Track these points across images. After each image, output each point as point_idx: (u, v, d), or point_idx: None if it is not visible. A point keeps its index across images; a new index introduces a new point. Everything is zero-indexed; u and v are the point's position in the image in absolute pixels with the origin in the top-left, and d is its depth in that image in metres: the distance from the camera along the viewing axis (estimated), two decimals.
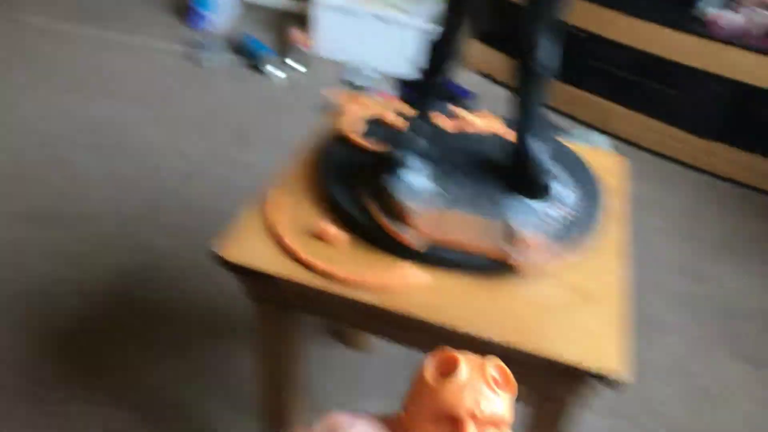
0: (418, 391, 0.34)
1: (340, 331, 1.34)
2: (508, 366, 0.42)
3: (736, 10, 1.88)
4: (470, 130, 0.98)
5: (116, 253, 1.52)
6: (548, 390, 0.75)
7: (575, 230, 0.82)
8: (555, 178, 0.84)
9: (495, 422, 0.33)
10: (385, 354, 1.34)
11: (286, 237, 0.81)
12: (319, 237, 0.82)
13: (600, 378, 0.69)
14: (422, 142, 0.86)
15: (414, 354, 1.34)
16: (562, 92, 2.10)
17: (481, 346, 0.62)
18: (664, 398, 1.33)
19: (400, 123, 0.96)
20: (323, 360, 1.32)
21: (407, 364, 1.36)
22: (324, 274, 0.78)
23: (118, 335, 1.34)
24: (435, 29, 0.84)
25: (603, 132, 2.11)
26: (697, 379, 1.38)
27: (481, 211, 0.80)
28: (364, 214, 0.83)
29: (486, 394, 0.33)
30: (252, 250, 0.81)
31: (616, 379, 0.68)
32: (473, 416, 0.32)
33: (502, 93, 2.10)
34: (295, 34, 2.37)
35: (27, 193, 1.68)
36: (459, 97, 2.11)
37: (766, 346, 1.49)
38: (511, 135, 0.87)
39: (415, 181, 0.83)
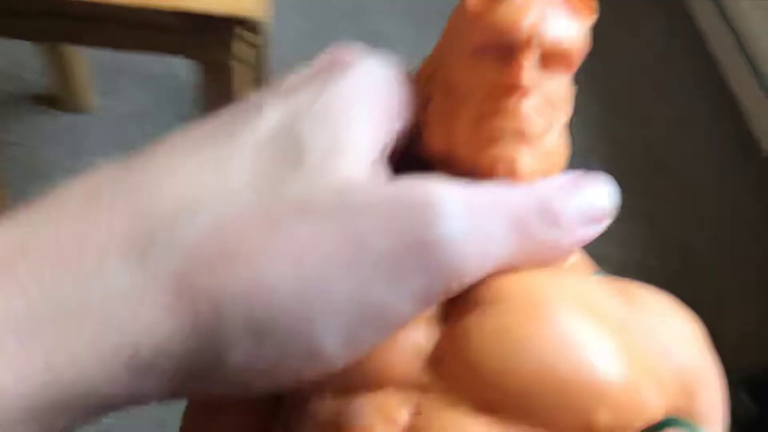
0: (456, 21, 0.23)
1: (53, 97, 1.25)
2: None
3: None
4: None
5: None
6: (203, 53, 0.76)
7: None
8: None
9: (562, 55, 0.21)
10: (109, 112, 1.28)
11: None
12: None
13: (242, 23, 0.70)
14: None
15: (142, 106, 1.31)
16: None
17: None
18: None
19: None
20: (39, 129, 1.24)
21: (135, 120, 1.35)
22: None
23: None
24: None
25: None
26: None
27: None
28: None
29: (554, 12, 0.21)
30: None
31: (256, 20, 0.70)
32: (527, 41, 0.20)
33: None
34: None
35: None
36: None
37: None
38: None
39: None
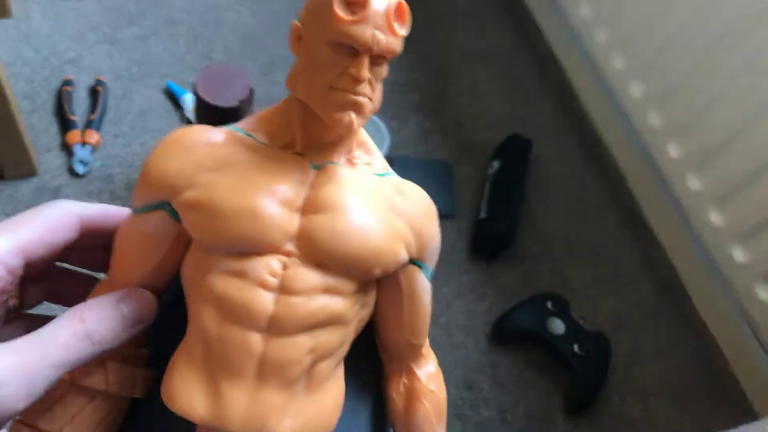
0: (322, 14, 0.33)
1: None
2: None
3: None
4: None
5: None
6: None
7: None
8: None
9: (385, 56, 0.34)
10: None
11: None
12: None
13: None
14: None
15: None
16: None
17: None
18: None
19: None
20: None
21: None
22: None
23: None
24: None
25: None
26: None
27: None
28: None
29: (386, 31, 0.33)
30: None
31: None
32: (370, 50, 0.33)
33: None
34: None
35: None
36: None
37: None
38: None
39: None
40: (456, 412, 1.04)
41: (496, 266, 1.20)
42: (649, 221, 1.28)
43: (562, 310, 1.11)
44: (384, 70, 0.35)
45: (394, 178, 0.39)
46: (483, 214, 1.20)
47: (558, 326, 1.09)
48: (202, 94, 0.94)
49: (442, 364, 0.42)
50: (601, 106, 1.37)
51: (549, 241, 1.26)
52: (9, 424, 0.34)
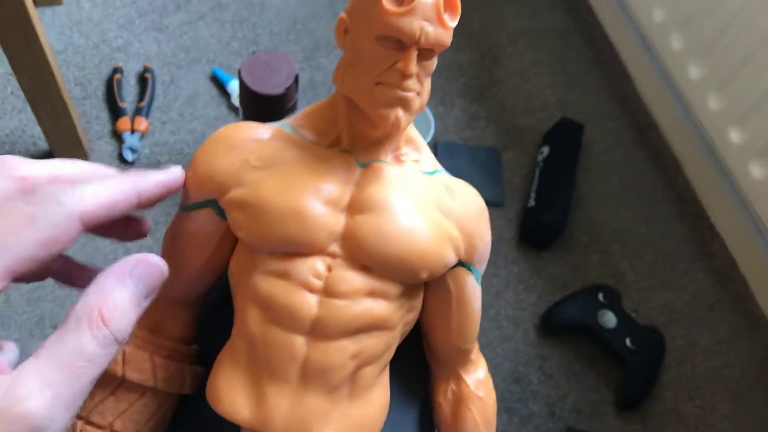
0: (368, 6, 0.32)
1: None
2: None
3: None
4: None
5: None
6: None
7: None
8: None
9: (433, 50, 0.32)
10: None
11: None
12: None
13: None
14: None
15: None
16: None
17: None
18: None
19: None
20: None
21: None
22: None
23: None
24: None
25: None
26: None
27: None
28: None
29: (435, 23, 0.31)
30: None
31: None
32: (418, 43, 0.31)
33: None
34: None
35: None
36: None
37: None
38: None
39: None
40: (504, 405, 1.02)
41: (546, 256, 1.17)
42: (707, 211, 1.23)
43: (614, 302, 1.08)
44: (433, 63, 0.34)
45: (444, 177, 0.37)
46: (532, 203, 1.17)
47: (609, 319, 1.06)
48: (248, 82, 0.94)
49: (489, 356, 0.41)
50: (656, 89, 1.31)
51: (600, 230, 1.22)
52: None
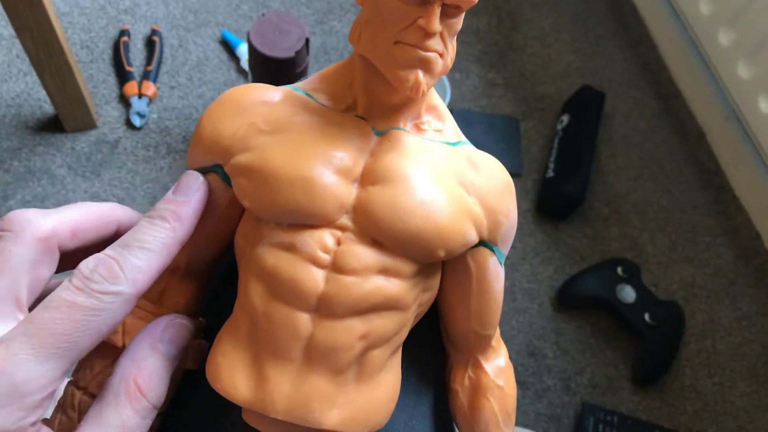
0: None
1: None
2: None
3: None
4: None
5: None
6: None
7: None
8: None
9: (459, 6, 0.29)
10: None
11: None
12: None
13: None
14: None
15: None
16: None
17: None
18: None
19: None
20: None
21: None
22: None
23: None
24: None
25: None
26: None
27: None
28: None
29: None
30: None
31: None
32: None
33: None
34: None
35: None
36: None
37: None
38: None
39: None
40: (518, 380, 1.00)
41: (563, 228, 1.14)
42: (731, 184, 1.19)
43: (633, 276, 1.05)
44: (458, 22, 0.30)
45: (468, 148, 0.34)
46: (551, 173, 1.13)
47: (628, 293, 1.03)
48: (257, 45, 0.90)
49: (504, 328, 0.38)
50: (682, 57, 1.26)
51: (620, 202, 1.18)
52: (63, 385, 0.33)
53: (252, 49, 0.91)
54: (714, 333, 1.08)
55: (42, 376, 0.25)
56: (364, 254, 0.30)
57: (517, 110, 1.26)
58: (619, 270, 1.05)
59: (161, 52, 1.18)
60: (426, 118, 0.34)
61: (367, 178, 0.31)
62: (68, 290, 0.26)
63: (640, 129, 1.27)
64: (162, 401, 0.28)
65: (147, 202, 1.05)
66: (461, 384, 0.37)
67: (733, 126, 1.15)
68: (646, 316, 1.02)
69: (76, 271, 0.27)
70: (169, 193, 0.31)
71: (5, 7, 0.85)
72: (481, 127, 1.20)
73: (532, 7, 1.40)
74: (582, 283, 1.05)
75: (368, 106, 0.32)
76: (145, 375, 0.28)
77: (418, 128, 0.33)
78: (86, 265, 0.27)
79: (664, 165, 1.24)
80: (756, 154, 1.11)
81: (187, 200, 0.31)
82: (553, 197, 1.11)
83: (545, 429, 0.98)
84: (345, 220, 0.31)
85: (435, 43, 0.29)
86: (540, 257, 1.11)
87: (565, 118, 1.20)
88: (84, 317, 0.26)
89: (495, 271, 0.34)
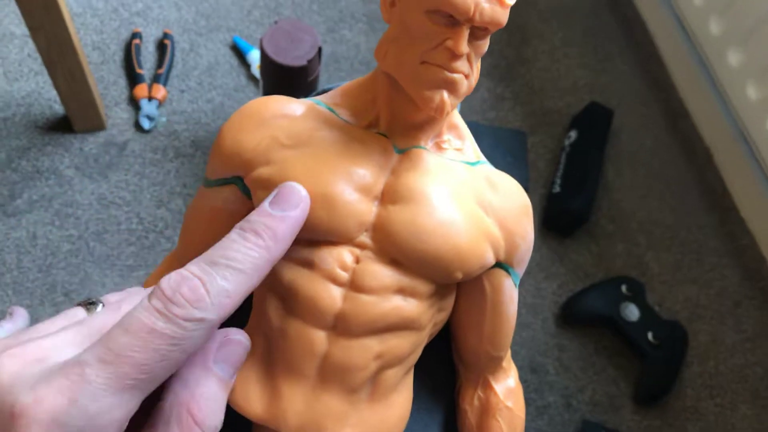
0: None
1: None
2: None
3: None
4: None
5: None
6: None
7: None
8: None
9: (488, 29, 0.29)
10: None
11: None
12: None
13: None
14: None
15: None
16: None
17: None
18: None
19: None
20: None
21: None
22: None
23: None
24: None
25: None
26: None
27: None
28: None
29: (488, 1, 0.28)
30: None
31: None
32: (471, 20, 0.28)
33: None
34: None
35: None
36: None
37: None
38: None
39: None
40: None
41: (568, 244, 1.14)
42: (737, 205, 1.19)
43: (638, 295, 1.05)
44: (485, 44, 0.30)
45: (487, 168, 0.34)
46: (557, 188, 1.13)
47: (632, 312, 1.03)
48: (269, 52, 0.91)
49: None
50: (691, 75, 1.27)
51: (626, 219, 1.18)
52: None
53: (264, 57, 0.92)
54: (717, 354, 1.08)
55: (117, 409, 0.22)
56: (382, 273, 0.30)
57: (525, 124, 1.26)
58: (624, 288, 1.05)
59: (172, 55, 1.18)
60: (447, 136, 0.34)
61: (388, 197, 0.31)
62: (148, 312, 0.23)
63: (648, 147, 1.28)
64: (218, 429, 0.25)
65: (153, 204, 1.05)
66: (470, 404, 0.37)
67: (741, 147, 1.15)
68: (650, 335, 1.01)
69: (155, 288, 0.24)
70: (266, 204, 0.28)
71: (20, 7, 0.85)
72: (489, 140, 1.20)
73: (542, 21, 1.40)
74: (586, 300, 1.04)
75: (390, 123, 0.32)
76: (199, 402, 0.24)
77: (438, 147, 0.33)
78: (168, 282, 0.24)
79: (670, 184, 1.24)
80: (763, 176, 1.11)
81: (285, 216, 0.27)
82: (559, 213, 1.11)
83: None
84: (364, 238, 0.31)
85: (461, 64, 0.29)
86: (544, 272, 1.11)
87: (573, 134, 1.20)
88: (165, 346, 0.23)
89: (510, 293, 0.34)
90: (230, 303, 0.25)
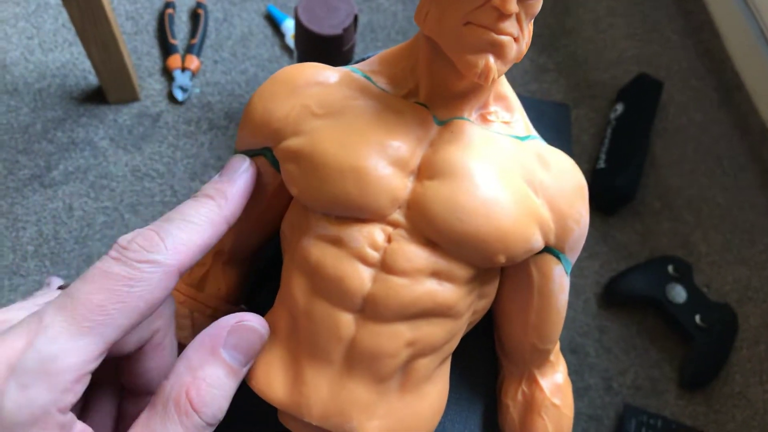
0: None
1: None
2: None
3: None
4: None
5: None
6: None
7: None
8: None
9: None
10: None
11: None
12: None
13: None
14: None
15: None
16: None
17: None
18: None
19: None
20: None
21: None
22: None
23: None
24: None
25: None
26: None
27: None
28: None
29: None
30: None
31: None
32: None
33: None
34: None
35: None
36: None
37: None
38: None
39: None
40: None
41: (612, 222, 1.09)
42: None
43: (685, 276, 1.00)
44: (537, 4, 0.27)
45: (538, 144, 0.31)
46: (602, 164, 1.09)
47: (678, 293, 0.98)
48: (304, 21, 0.88)
49: None
50: (748, 46, 1.19)
51: (674, 197, 1.13)
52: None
53: (299, 25, 0.89)
54: None
55: (74, 353, 0.22)
56: (416, 254, 0.28)
57: (569, 97, 1.21)
58: (670, 268, 1.01)
59: (206, 25, 1.16)
60: (494, 108, 0.31)
61: (425, 172, 0.28)
62: (104, 260, 0.24)
63: (698, 121, 1.21)
64: (220, 419, 0.24)
65: (187, 177, 1.04)
66: (513, 398, 0.34)
67: None
68: (697, 318, 0.97)
69: (114, 243, 0.25)
70: (216, 176, 0.30)
71: None
72: (531, 113, 1.15)
73: None
74: (630, 280, 1.00)
75: (431, 92, 0.29)
76: (200, 386, 0.24)
77: (484, 119, 0.30)
78: (124, 237, 0.25)
79: (721, 160, 1.18)
80: None
81: (232, 180, 0.29)
82: (604, 189, 1.06)
83: (585, 429, 0.95)
84: (398, 215, 0.28)
85: (510, 25, 0.26)
86: (587, 251, 1.07)
87: (619, 107, 1.15)
88: (119, 287, 0.23)
89: (560, 281, 0.31)
90: (187, 251, 0.25)
